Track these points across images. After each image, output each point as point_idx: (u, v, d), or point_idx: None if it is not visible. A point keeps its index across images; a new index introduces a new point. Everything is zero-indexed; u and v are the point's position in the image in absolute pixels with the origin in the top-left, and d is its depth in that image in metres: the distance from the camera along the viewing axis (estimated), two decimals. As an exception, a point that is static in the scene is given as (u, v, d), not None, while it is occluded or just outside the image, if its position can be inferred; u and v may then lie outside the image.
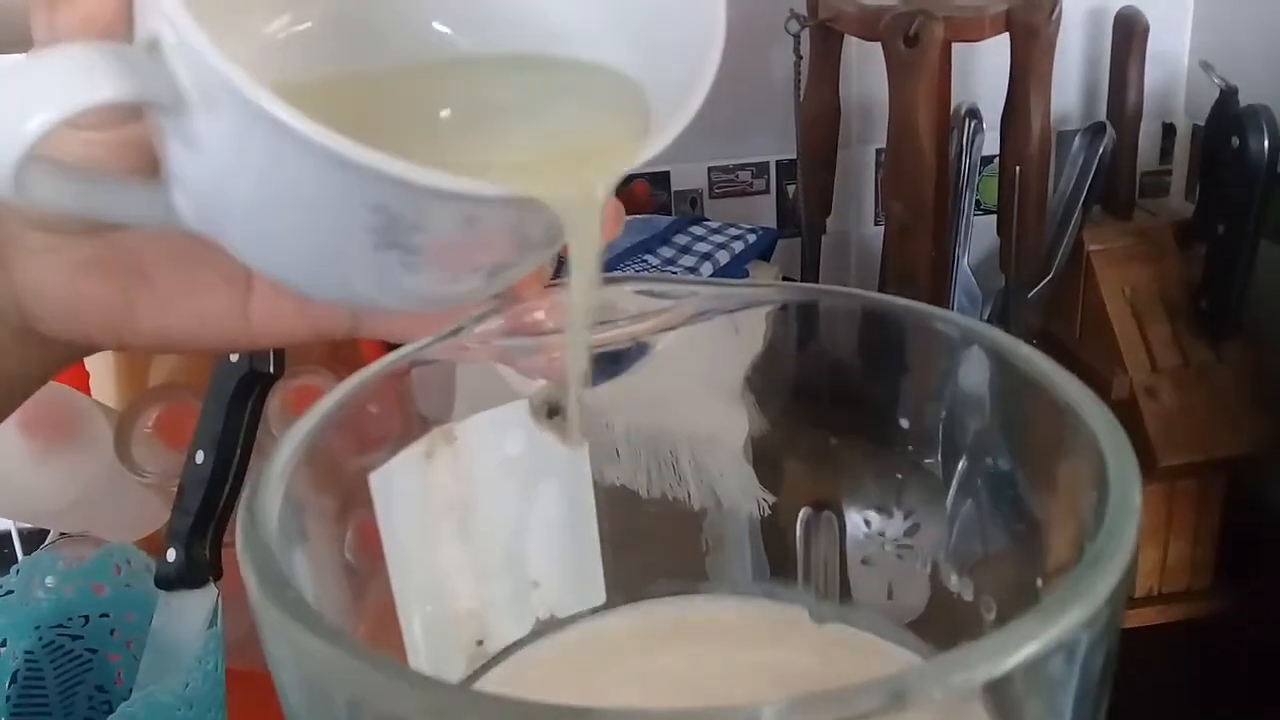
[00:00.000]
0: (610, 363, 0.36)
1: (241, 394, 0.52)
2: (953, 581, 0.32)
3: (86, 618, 0.53)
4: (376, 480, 0.29)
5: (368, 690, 0.19)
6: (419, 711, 0.18)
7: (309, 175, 0.24)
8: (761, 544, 0.40)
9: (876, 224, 0.89)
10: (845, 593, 0.37)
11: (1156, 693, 0.60)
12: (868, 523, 0.36)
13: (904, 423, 0.33)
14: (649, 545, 0.39)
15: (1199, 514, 0.73)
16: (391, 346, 0.31)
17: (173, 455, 0.57)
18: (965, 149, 0.75)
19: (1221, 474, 0.73)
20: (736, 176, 0.88)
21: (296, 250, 0.27)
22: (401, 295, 0.28)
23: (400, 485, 0.29)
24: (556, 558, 0.34)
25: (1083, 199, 0.78)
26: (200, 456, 0.52)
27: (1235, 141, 0.68)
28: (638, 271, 0.72)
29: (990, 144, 0.74)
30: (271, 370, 0.52)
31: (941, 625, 0.34)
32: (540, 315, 0.32)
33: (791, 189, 0.88)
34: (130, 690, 0.50)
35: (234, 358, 0.52)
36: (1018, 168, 0.71)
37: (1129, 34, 0.77)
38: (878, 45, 0.69)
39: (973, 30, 0.68)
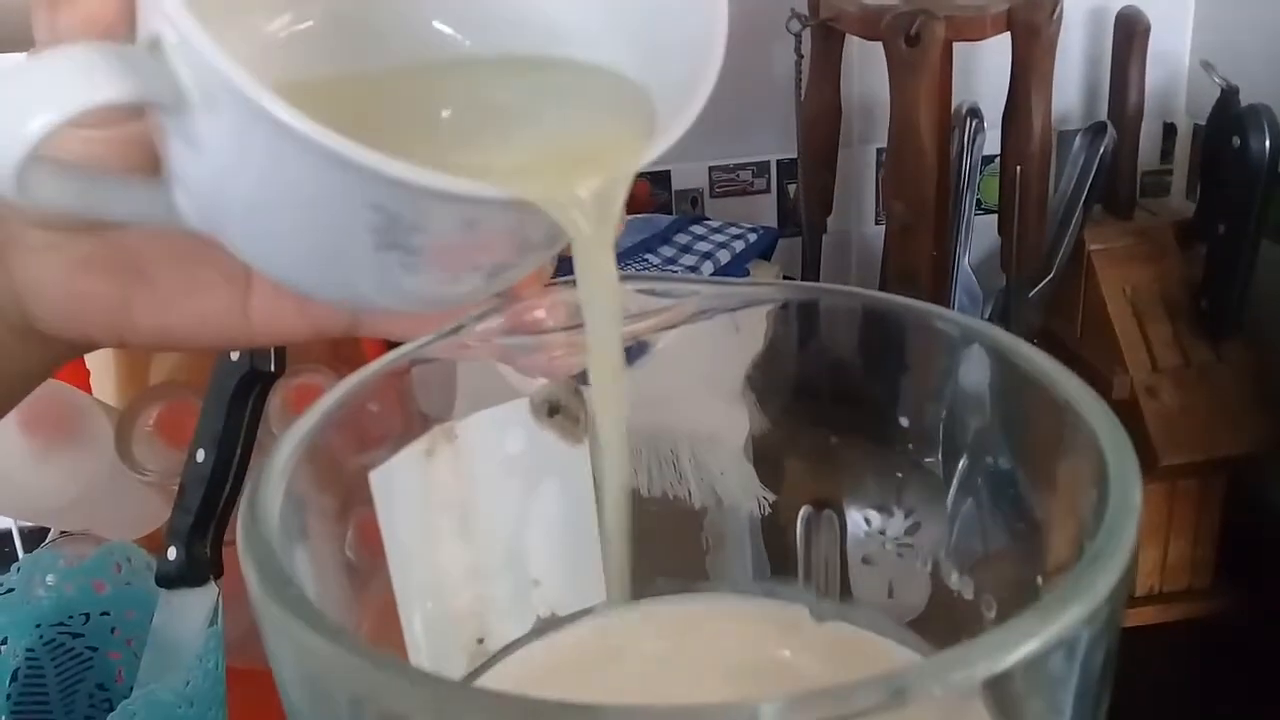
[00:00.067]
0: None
1: (242, 393, 0.52)
2: (953, 580, 0.32)
3: (87, 616, 0.53)
4: (377, 478, 0.29)
5: (369, 687, 0.19)
6: (420, 708, 0.18)
7: (309, 175, 0.24)
8: (762, 543, 0.40)
9: (877, 223, 0.89)
10: (846, 591, 0.37)
11: (1157, 692, 0.61)
12: (868, 521, 0.36)
13: (904, 421, 0.33)
14: (649, 544, 0.39)
15: (1199, 513, 0.73)
16: (392, 345, 0.31)
17: (173, 453, 0.57)
18: (966, 148, 0.75)
19: (1222, 474, 0.73)
20: (737, 176, 0.88)
21: (296, 250, 0.27)
22: (402, 295, 0.28)
23: (401, 483, 0.29)
24: (557, 556, 0.34)
25: (1084, 198, 0.78)
26: (201, 455, 0.52)
27: (1236, 141, 0.68)
28: (639, 271, 0.72)
29: (991, 143, 0.74)
30: (272, 369, 0.52)
31: (942, 624, 0.34)
32: (541, 314, 0.32)
33: (792, 188, 0.88)
34: (131, 688, 0.50)
35: (235, 356, 0.52)
36: (1019, 167, 0.71)
37: (1130, 33, 0.77)
38: (879, 45, 0.69)
39: (974, 30, 0.68)
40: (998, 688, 0.21)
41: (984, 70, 0.79)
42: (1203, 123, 0.79)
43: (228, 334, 0.32)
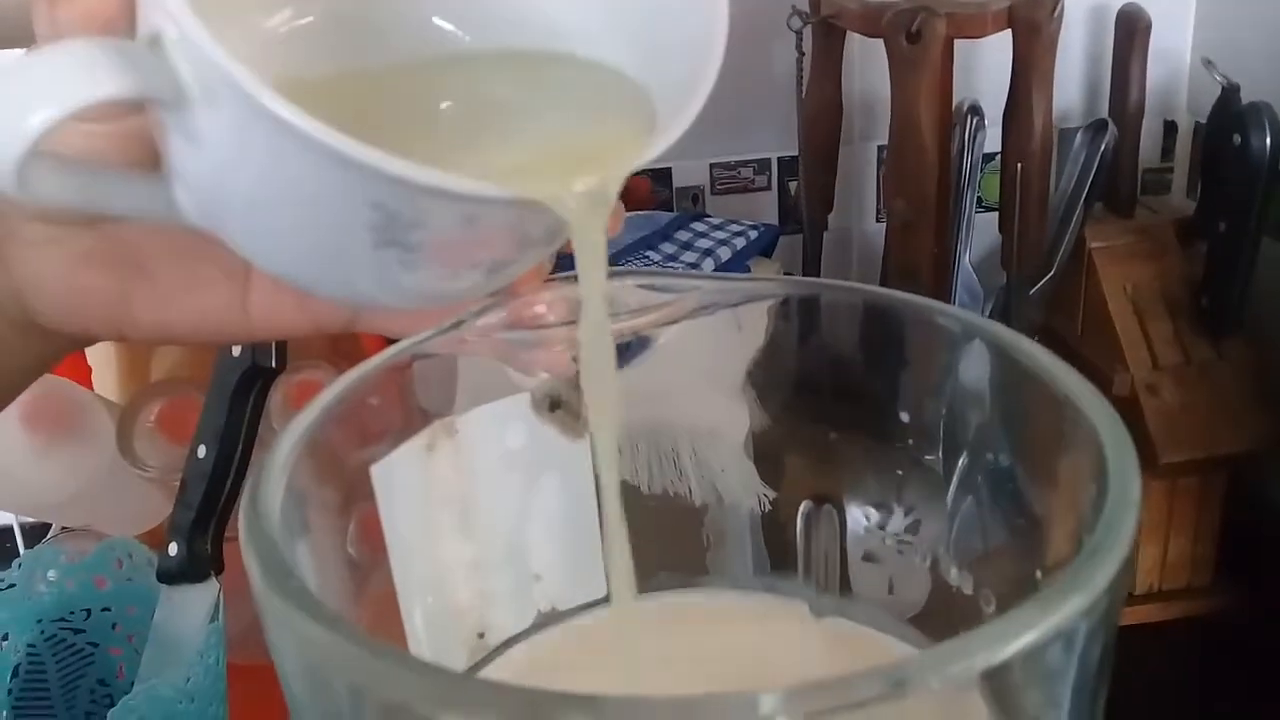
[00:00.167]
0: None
1: (243, 388, 0.52)
2: (953, 576, 0.33)
3: (88, 611, 0.53)
4: (378, 473, 0.29)
5: (369, 677, 0.19)
6: (421, 699, 0.18)
7: (309, 172, 0.24)
8: (762, 539, 0.40)
9: (878, 221, 0.89)
10: (845, 588, 0.37)
11: (1156, 689, 0.61)
12: (868, 517, 0.36)
13: (905, 417, 0.33)
14: (650, 540, 0.39)
15: (1200, 511, 0.73)
16: (392, 341, 0.31)
17: (175, 449, 0.57)
18: (967, 146, 0.75)
19: (1222, 471, 0.73)
20: (738, 173, 0.88)
21: (296, 246, 0.27)
22: (401, 292, 0.28)
23: (402, 478, 0.30)
24: (558, 551, 0.34)
25: (1084, 196, 0.78)
26: (202, 451, 0.52)
27: (1237, 139, 0.68)
28: (639, 267, 0.72)
29: (992, 141, 0.74)
30: (274, 365, 0.52)
31: (942, 619, 0.34)
32: (541, 309, 0.32)
33: (793, 185, 0.88)
34: (132, 684, 0.50)
35: (236, 352, 0.52)
36: (1019, 164, 0.71)
37: (1131, 31, 0.77)
38: (880, 42, 0.69)
39: (975, 27, 0.68)
40: (996, 680, 0.21)
41: (985, 67, 0.79)
42: (1204, 120, 0.79)
43: (227, 329, 0.32)
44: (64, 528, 0.62)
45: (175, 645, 0.50)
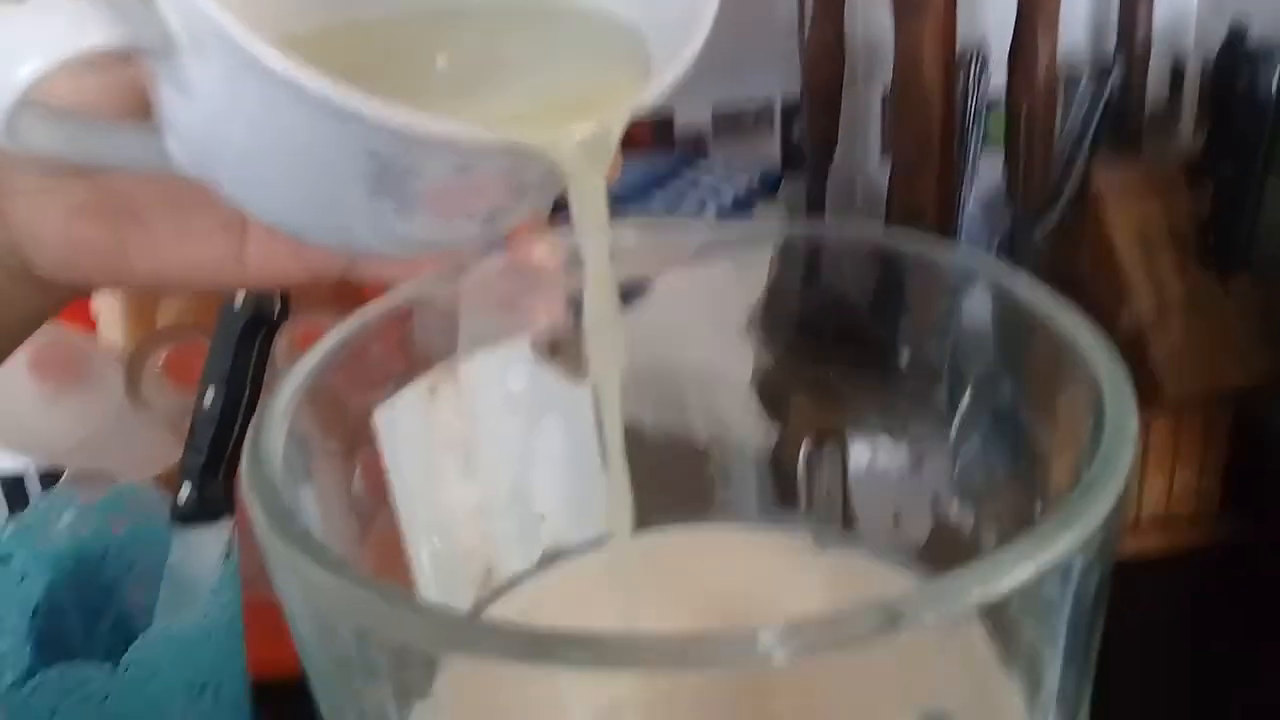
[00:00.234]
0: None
1: (248, 335, 0.52)
2: (954, 511, 0.33)
3: (104, 553, 0.54)
4: (381, 417, 0.29)
5: (374, 620, 0.19)
6: (424, 640, 0.19)
7: (301, 121, 0.24)
8: (767, 478, 0.40)
9: (882, 162, 0.89)
10: (849, 525, 0.37)
11: (1157, 621, 0.61)
12: (871, 456, 0.37)
13: (907, 356, 0.33)
14: (654, 481, 0.40)
15: (1205, 445, 0.74)
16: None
17: (182, 394, 0.57)
18: (972, 88, 0.75)
19: (1227, 406, 0.73)
20: (740, 116, 0.87)
21: (290, 196, 0.27)
22: (397, 240, 0.28)
23: (404, 422, 0.30)
24: (561, 491, 0.34)
25: (1090, 136, 0.77)
26: (209, 396, 0.52)
27: (1244, 79, 0.67)
28: (641, 212, 0.72)
29: (997, 82, 0.73)
30: (276, 316, 0.52)
31: (943, 555, 0.34)
32: (540, 254, 0.32)
33: (796, 128, 0.88)
34: (150, 624, 0.51)
35: (238, 303, 0.52)
36: (1025, 106, 0.70)
37: (1139, -32, 0.76)
38: (883, -18, 0.69)
39: (980, -36, 0.67)
40: (995, 613, 0.21)
41: (989, 8, 0.78)
42: (1211, 60, 0.78)
43: (223, 277, 0.32)
44: (77, 472, 0.62)
45: (191, 585, 0.50)
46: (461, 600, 0.33)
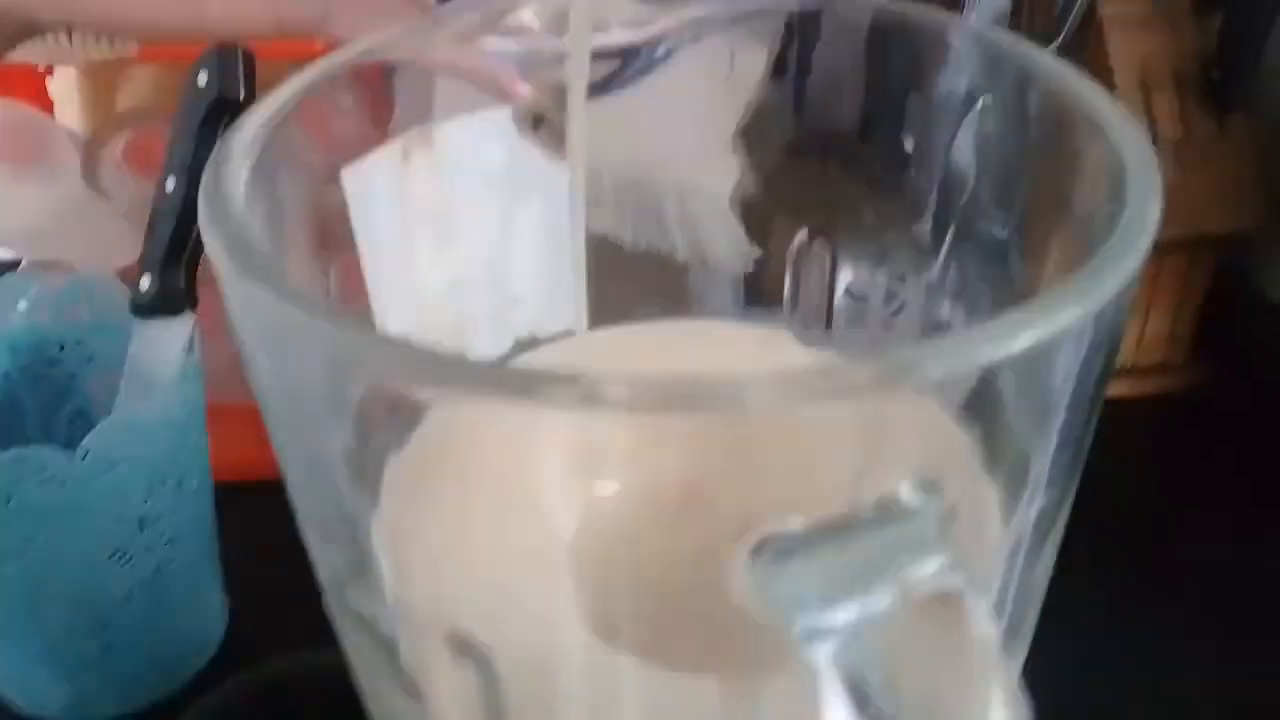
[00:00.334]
0: (602, 81, 0.34)
1: (211, 120, 0.49)
2: (945, 311, 0.32)
3: (62, 344, 0.52)
4: (349, 178, 0.27)
5: (351, 353, 0.18)
6: (404, 375, 0.17)
7: None
8: (749, 291, 0.39)
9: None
10: (832, 329, 0.36)
11: (1123, 464, 0.62)
12: (863, 257, 0.36)
13: (910, 146, 0.32)
14: (633, 284, 0.39)
15: (1183, 290, 0.73)
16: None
17: (143, 183, 0.55)
18: (982, -102, 0.71)
19: (1210, 251, 0.72)
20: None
21: None
22: None
23: (375, 186, 0.28)
24: (539, 275, 0.33)
25: (1100, -40, 0.74)
26: (171, 184, 0.50)
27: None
28: None
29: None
30: (241, 96, 0.50)
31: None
32: (526, 18, 0.30)
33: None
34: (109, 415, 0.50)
35: (202, 82, 0.49)
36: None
37: None
38: None
39: None
40: (988, 392, 0.20)
41: None
42: (1232, -118, 0.74)
43: (183, 21, 0.29)
44: (34, 262, 0.60)
45: (152, 377, 0.49)
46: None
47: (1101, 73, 0.74)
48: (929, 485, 0.19)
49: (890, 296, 0.35)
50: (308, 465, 0.22)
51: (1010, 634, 0.24)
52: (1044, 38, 0.74)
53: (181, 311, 0.50)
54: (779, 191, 0.39)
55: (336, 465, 0.22)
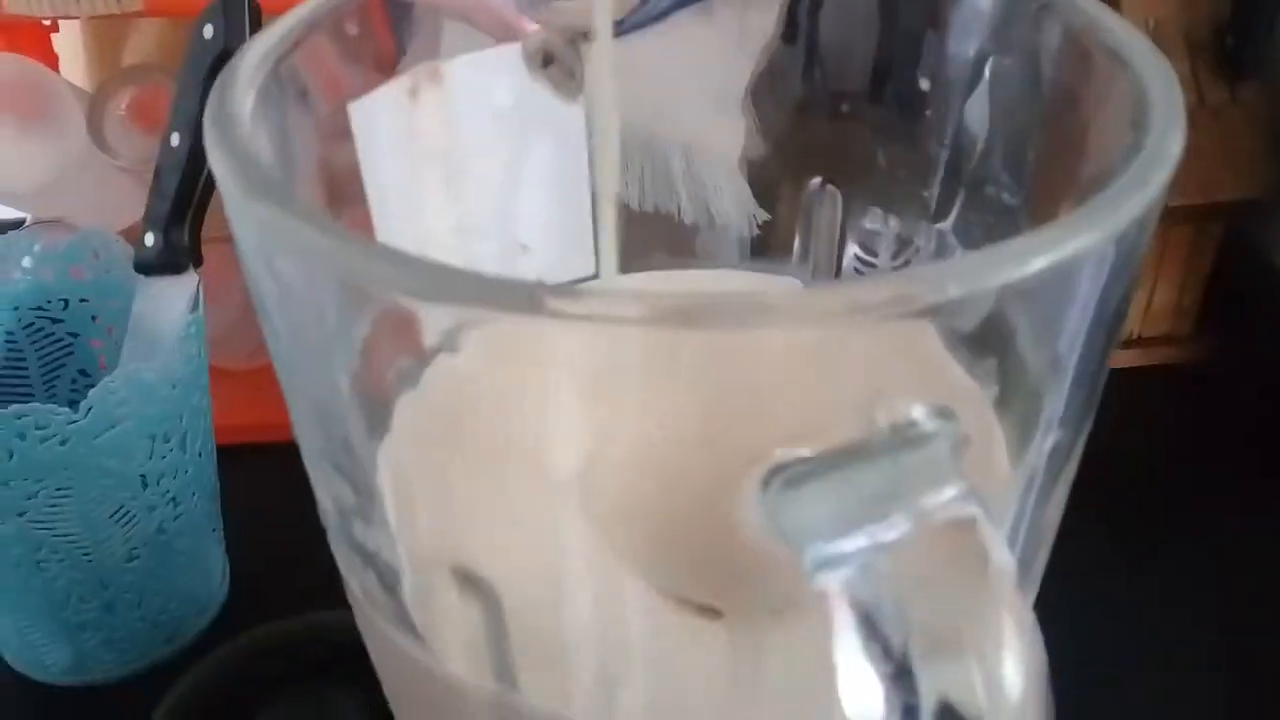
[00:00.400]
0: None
1: (216, 74, 0.49)
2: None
3: (66, 302, 0.52)
4: (356, 111, 0.27)
5: (363, 271, 0.17)
6: (415, 291, 0.17)
7: None
8: (757, 249, 0.39)
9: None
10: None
11: (1132, 434, 0.61)
12: (874, 209, 0.35)
13: (926, 85, 0.31)
14: (640, 240, 0.38)
15: (1190, 259, 0.73)
16: None
17: (148, 139, 0.55)
18: None
19: (1219, 220, 0.72)
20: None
21: None
22: None
23: (383, 122, 0.28)
24: (548, 221, 0.32)
25: (1114, -76, 0.73)
26: (176, 139, 0.50)
27: None
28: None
29: None
30: (248, 51, 0.49)
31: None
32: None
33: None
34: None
35: (208, 35, 0.49)
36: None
37: None
38: None
39: None
40: (1002, 320, 0.20)
41: None
42: None
43: None
44: (37, 220, 0.60)
45: (155, 336, 0.49)
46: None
47: (1113, 39, 0.73)
48: (944, 411, 0.19)
49: (901, 246, 0.35)
50: (316, 397, 0.22)
51: (1021, 573, 0.23)
52: None
53: (185, 269, 0.49)
54: (788, 150, 0.38)
55: (344, 396, 0.22)
